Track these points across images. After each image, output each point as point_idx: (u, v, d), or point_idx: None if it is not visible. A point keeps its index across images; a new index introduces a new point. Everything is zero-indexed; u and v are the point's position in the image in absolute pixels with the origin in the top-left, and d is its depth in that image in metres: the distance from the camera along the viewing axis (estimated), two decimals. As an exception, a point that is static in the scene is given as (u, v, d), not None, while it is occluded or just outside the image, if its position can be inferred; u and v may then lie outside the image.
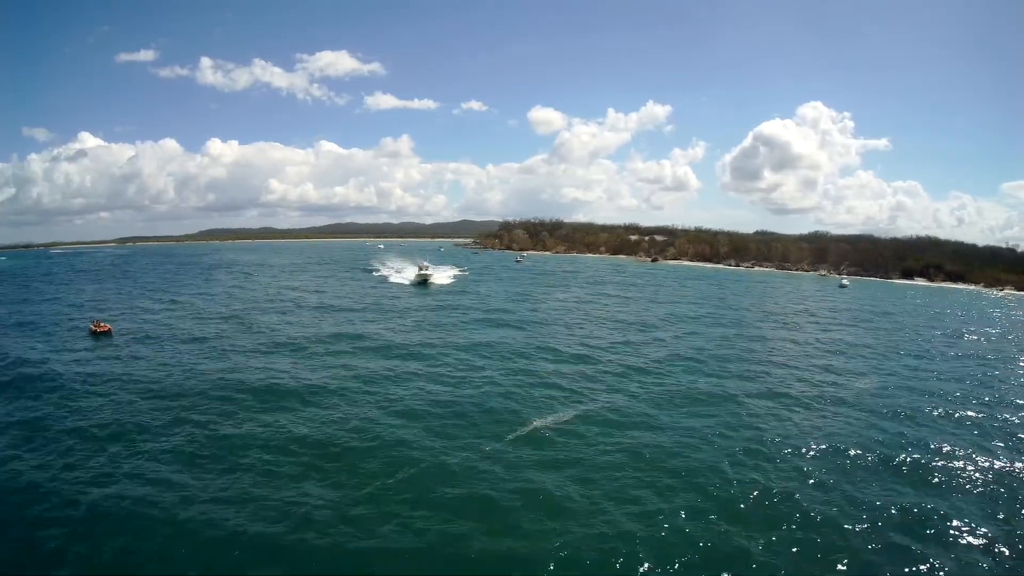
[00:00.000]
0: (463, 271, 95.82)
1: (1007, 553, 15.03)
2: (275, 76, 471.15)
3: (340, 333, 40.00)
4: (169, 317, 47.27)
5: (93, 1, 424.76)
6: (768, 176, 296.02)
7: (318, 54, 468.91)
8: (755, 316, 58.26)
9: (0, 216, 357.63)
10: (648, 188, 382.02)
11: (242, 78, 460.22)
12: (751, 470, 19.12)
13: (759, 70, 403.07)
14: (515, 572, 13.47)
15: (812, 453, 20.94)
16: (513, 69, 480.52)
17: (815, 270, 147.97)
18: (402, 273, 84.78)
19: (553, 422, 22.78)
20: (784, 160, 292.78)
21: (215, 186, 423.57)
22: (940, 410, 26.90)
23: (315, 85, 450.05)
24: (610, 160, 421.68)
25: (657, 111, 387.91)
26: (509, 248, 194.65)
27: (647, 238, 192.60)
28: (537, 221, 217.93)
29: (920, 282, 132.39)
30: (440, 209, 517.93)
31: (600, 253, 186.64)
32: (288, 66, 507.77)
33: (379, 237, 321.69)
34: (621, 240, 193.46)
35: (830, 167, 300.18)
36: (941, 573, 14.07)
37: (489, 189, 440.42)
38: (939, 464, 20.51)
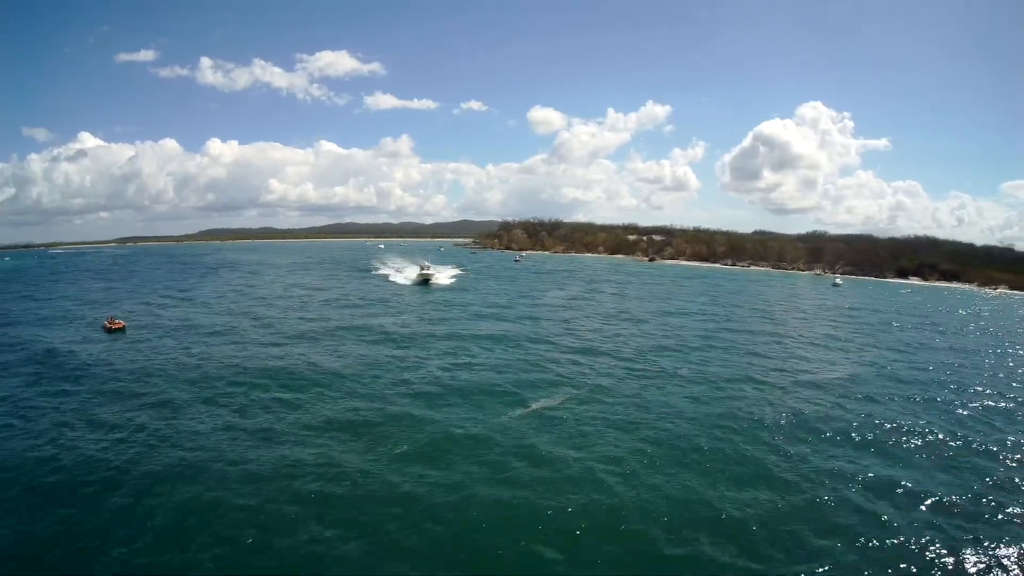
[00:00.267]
0: (464, 271, 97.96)
1: (954, 511, 17.24)
2: (275, 76, 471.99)
3: (349, 326, 42.41)
4: (182, 313, 49.47)
5: (93, 1, 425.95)
6: (768, 176, 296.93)
7: (318, 54, 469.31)
8: (744, 312, 60.53)
9: (0, 216, 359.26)
10: (648, 188, 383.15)
11: (242, 78, 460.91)
12: (720, 441, 21.57)
13: (759, 70, 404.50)
14: (516, 513, 15.82)
15: (779, 426, 23.31)
16: (513, 69, 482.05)
17: (810, 269, 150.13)
18: (403, 272, 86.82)
19: (547, 401, 25.25)
20: (784, 160, 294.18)
21: (215, 186, 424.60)
22: (907, 395, 29.24)
23: (315, 85, 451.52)
24: (610, 160, 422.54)
25: (657, 111, 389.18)
26: (508, 248, 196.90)
27: (645, 238, 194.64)
28: (536, 221, 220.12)
29: (914, 281, 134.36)
30: (440, 209, 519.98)
31: (598, 253, 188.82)
32: (288, 66, 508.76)
33: (379, 237, 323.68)
34: (619, 240, 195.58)
35: (830, 167, 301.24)
36: (893, 524, 16.28)
37: (489, 189, 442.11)
38: (896, 438, 22.81)
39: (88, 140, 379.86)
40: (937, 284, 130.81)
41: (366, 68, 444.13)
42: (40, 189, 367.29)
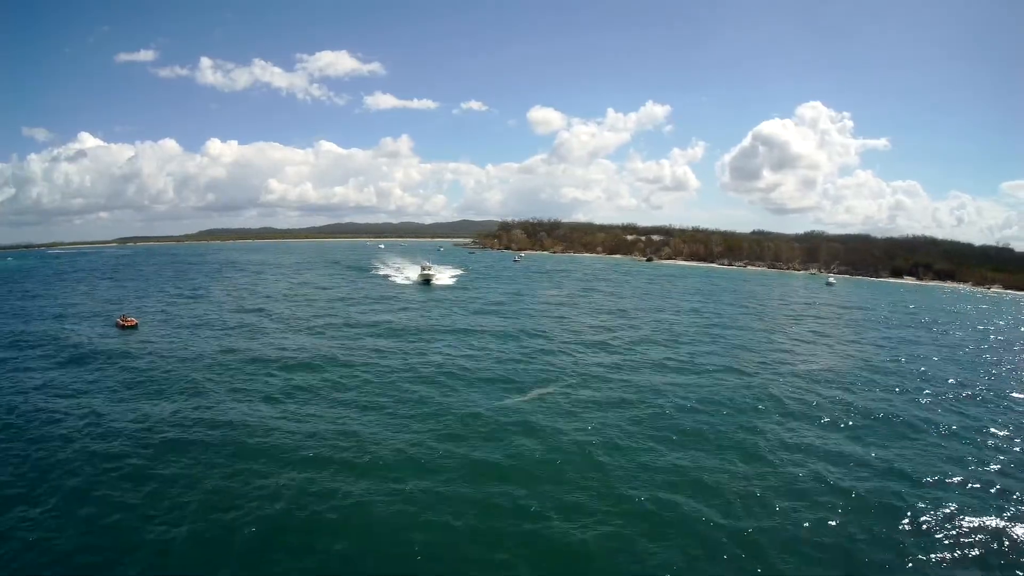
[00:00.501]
0: (464, 270, 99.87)
1: (904, 478, 19.25)
2: (275, 76, 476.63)
3: (357, 323, 44.53)
4: (192, 311, 51.24)
5: (93, 1, 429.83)
6: (767, 176, 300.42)
7: (318, 54, 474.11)
8: (735, 310, 62.58)
9: (0, 216, 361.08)
10: (647, 188, 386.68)
11: (242, 78, 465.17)
12: (700, 421, 23.69)
13: (758, 70, 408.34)
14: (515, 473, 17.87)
15: (755, 408, 25.49)
16: (513, 69, 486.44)
17: (806, 269, 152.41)
18: (404, 272, 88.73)
19: (543, 386, 27.44)
20: (783, 160, 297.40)
21: (215, 186, 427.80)
22: (882, 384, 31.34)
23: (315, 85, 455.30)
24: (609, 160, 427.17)
25: (656, 111, 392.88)
26: (508, 248, 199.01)
27: (643, 238, 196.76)
28: (535, 221, 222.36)
29: (909, 281, 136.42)
30: (439, 209, 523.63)
31: (597, 253, 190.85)
32: (288, 66, 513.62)
33: (379, 237, 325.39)
34: (618, 240, 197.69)
35: (829, 167, 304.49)
36: (850, 489, 18.25)
37: (488, 189, 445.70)
38: (863, 420, 24.88)
39: (88, 140, 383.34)
40: (931, 284, 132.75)
41: (366, 68, 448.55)
42: (40, 189, 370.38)
